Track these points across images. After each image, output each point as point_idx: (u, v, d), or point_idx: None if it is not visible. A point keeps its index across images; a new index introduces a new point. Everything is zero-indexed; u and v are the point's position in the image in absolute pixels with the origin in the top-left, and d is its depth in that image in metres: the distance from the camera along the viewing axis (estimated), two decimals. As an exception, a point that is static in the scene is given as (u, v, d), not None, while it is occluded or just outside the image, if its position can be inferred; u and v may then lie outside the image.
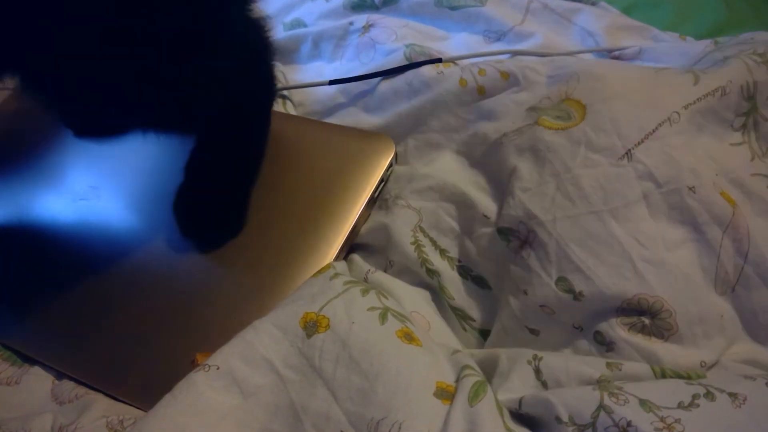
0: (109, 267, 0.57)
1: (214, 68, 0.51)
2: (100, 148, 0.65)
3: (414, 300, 0.51)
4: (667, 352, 0.41)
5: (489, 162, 0.55)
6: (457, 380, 0.41)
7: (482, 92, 0.59)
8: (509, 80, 0.58)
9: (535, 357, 0.42)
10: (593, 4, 0.71)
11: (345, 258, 0.56)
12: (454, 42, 0.70)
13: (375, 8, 0.75)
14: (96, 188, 0.62)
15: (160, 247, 0.57)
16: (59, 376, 0.52)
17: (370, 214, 0.58)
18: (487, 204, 0.53)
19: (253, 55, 0.56)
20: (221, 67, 0.52)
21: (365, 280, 0.53)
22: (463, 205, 0.54)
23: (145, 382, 0.49)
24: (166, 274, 0.55)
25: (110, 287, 0.55)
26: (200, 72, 0.49)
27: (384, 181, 0.59)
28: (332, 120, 0.68)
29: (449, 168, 0.57)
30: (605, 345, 0.43)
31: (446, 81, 0.60)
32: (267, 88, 0.60)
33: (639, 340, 0.42)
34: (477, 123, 0.58)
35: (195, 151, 0.56)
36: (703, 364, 0.41)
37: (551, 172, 0.48)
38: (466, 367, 0.42)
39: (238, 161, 0.57)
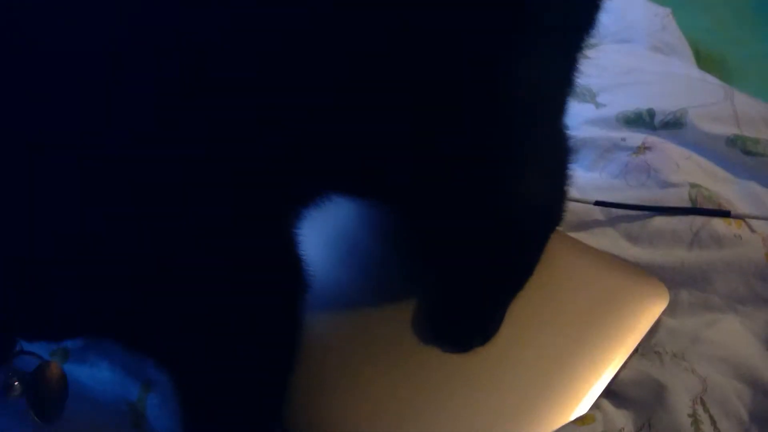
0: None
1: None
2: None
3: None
4: None
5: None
6: None
7: (789, 273, 0.59)
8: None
9: None
10: None
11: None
12: (740, 189, 0.69)
13: (652, 128, 0.75)
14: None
15: (399, 338, 0.58)
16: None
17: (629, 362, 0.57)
18: None
19: (555, 165, 0.57)
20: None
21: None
22: (760, 391, 0.52)
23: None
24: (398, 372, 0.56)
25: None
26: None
27: (651, 332, 0.58)
28: (586, 237, 0.68)
29: (742, 341, 0.56)
30: None
31: (746, 247, 0.61)
32: (558, 206, 0.60)
33: None
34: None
35: (463, 250, 0.57)
36: None
37: None
38: None
39: (505, 271, 0.58)
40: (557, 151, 0.58)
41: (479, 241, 0.57)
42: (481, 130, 0.47)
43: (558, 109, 0.54)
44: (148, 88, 0.36)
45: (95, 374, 0.60)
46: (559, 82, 0.53)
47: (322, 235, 0.64)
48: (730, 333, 0.57)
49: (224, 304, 0.44)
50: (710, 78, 0.84)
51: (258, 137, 0.40)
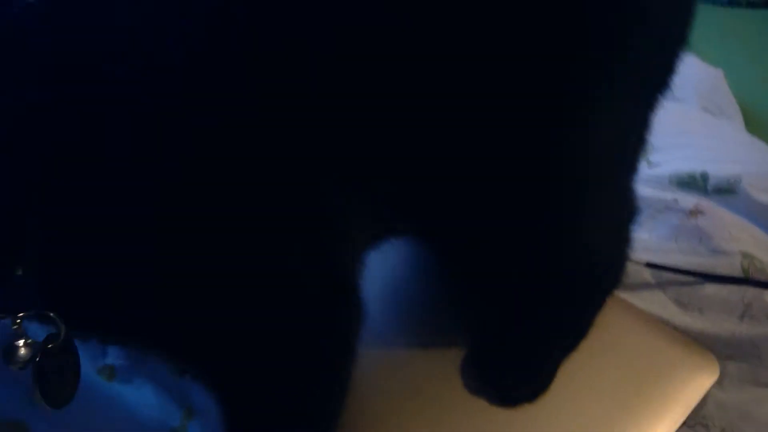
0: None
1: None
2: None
3: None
4: None
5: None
6: None
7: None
8: None
9: None
10: None
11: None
12: (791, 263, 0.69)
13: (704, 191, 0.75)
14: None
15: (446, 386, 0.58)
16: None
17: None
18: None
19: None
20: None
21: None
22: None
23: None
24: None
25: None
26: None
27: (700, 404, 0.58)
28: (635, 298, 0.68)
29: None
30: None
31: None
32: (618, 267, 0.60)
33: None
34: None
35: (520, 305, 0.58)
36: None
37: None
38: None
39: (560, 329, 0.58)
40: (623, 210, 0.57)
41: (538, 297, 0.57)
42: (551, 186, 0.47)
43: (630, 167, 0.54)
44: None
45: (140, 396, 0.60)
46: (633, 139, 0.52)
47: (374, 276, 0.65)
48: (780, 412, 0.57)
49: (276, 331, 0.44)
50: (762, 145, 0.84)
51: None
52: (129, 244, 0.38)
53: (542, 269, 0.54)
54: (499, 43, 0.40)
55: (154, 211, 0.38)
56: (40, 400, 0.43)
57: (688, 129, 0.86)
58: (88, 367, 0.62)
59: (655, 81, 0.50)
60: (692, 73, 0.96)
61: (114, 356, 0.62)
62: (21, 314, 0.40)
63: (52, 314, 0.40)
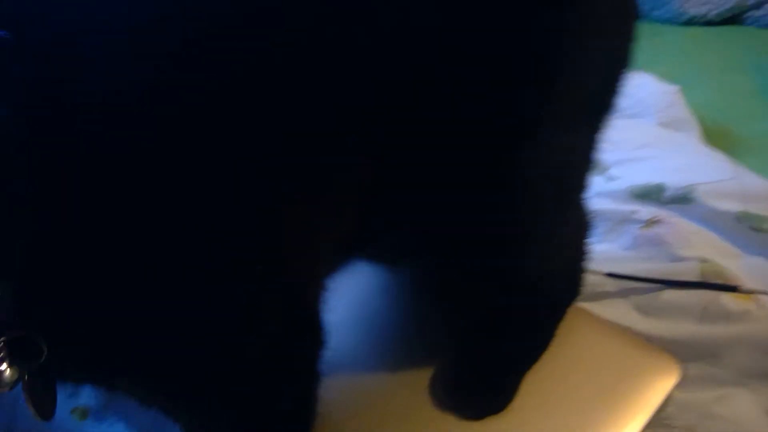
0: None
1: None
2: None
3: None
4: None
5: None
6: None
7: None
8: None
9: None
10: None
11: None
12: (749, 265, 0.71)
13: (662, 202, 0.78)
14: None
15: (416, 403, 0.59)
16: None
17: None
18: None
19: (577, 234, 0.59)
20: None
21: None
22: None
23: None
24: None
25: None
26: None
27: (662, 405, 0.59)
28: (597, 308, 0.69)
29: (751, 417, 0.56)
30: None
31: (754, 322, 0.62)
32: (576, 280, 0.62)
33: None
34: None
35: (481, 321, 0.59)
36: None
37: None
38: None
39: (522, 342, 0.60)
40: (577, 227, 0.59)
41: (498, 313, 0.59)
42: (501, 208, 0.49)
43: (579, 186, 0.56)
44: None
45: (112, 435, 0.61)
46: (579, 160, 0.54)
47: (341, 299, 0.66)
48: (740, 408, 0.58)
49: (236, 358, 0.43)
50: (718, 155, 0.86)
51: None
52: (107, 279, 0.37)
53: (501, 285, 0.56)
54: (448, 71, 0.41)
55: (137, 244, 0.37)
56: (35, 416, 0.41)
57: (646, 143, 0.88)
58: (60, 409, 0.62)
59: (598, 104, 0.52)
60: (649, 90, 0.99)
61: (86, 397, 0.63)
62: (3, 338, 0.38)
63: (36, 338, 0.38)
